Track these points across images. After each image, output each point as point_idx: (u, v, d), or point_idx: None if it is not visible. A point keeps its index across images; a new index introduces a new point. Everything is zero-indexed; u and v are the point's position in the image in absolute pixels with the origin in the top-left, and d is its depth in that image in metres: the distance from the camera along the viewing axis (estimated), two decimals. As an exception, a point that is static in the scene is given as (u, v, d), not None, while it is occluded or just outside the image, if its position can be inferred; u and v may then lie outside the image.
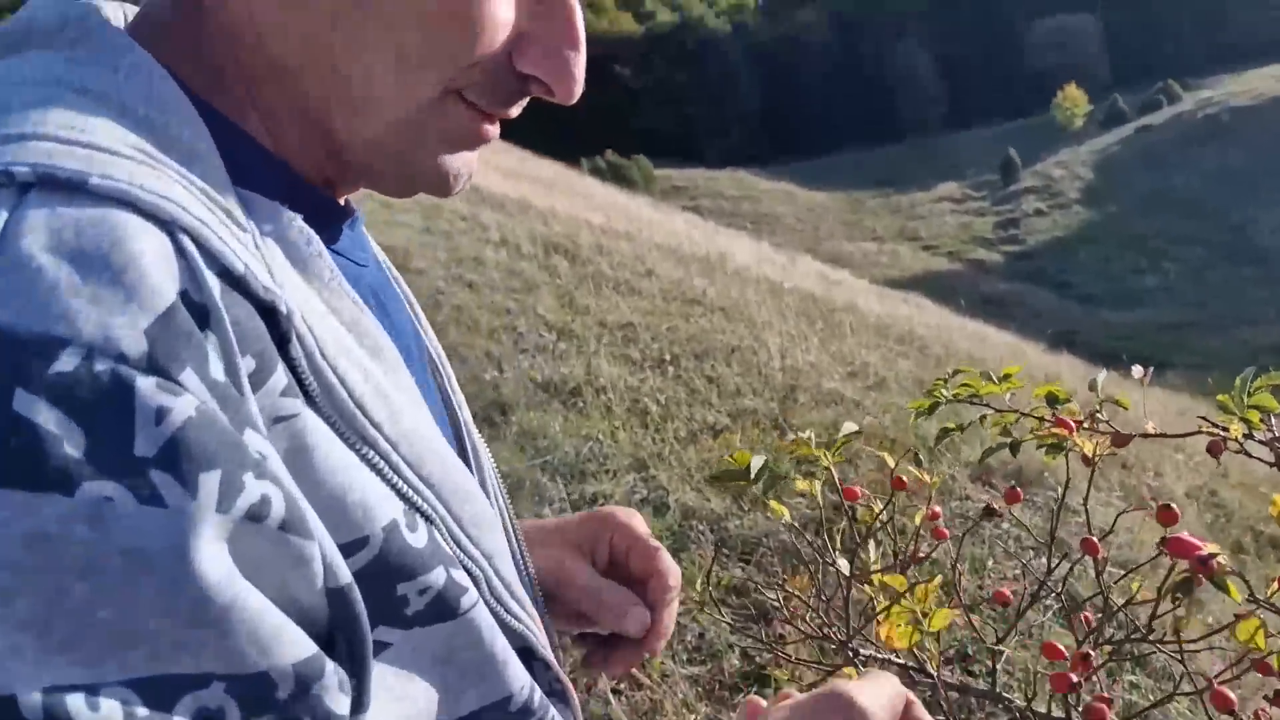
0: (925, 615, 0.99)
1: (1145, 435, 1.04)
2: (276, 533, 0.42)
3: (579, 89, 0.61)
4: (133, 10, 0.62)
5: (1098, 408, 1.08)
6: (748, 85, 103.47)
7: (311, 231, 0.56)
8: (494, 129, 0.62)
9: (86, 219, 0.42)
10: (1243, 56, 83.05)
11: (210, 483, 0.40)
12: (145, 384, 0.39)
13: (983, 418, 1.17)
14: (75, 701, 0.36)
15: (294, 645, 0.43)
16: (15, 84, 0.48)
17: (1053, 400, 1.13)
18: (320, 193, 0.62)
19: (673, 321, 6.92)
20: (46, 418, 0.37)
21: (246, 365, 0.45)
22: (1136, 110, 74.55)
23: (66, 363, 0.38)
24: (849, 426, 1.03)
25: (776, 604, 1.17)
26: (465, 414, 0.77)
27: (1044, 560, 1.17)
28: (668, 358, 6.10)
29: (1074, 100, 74.09)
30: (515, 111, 0.63)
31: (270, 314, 0.48)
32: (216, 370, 0.43)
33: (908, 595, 0.98)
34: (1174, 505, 0.94)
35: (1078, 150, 68.03)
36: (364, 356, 0.54)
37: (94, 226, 0.41)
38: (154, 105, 0.50)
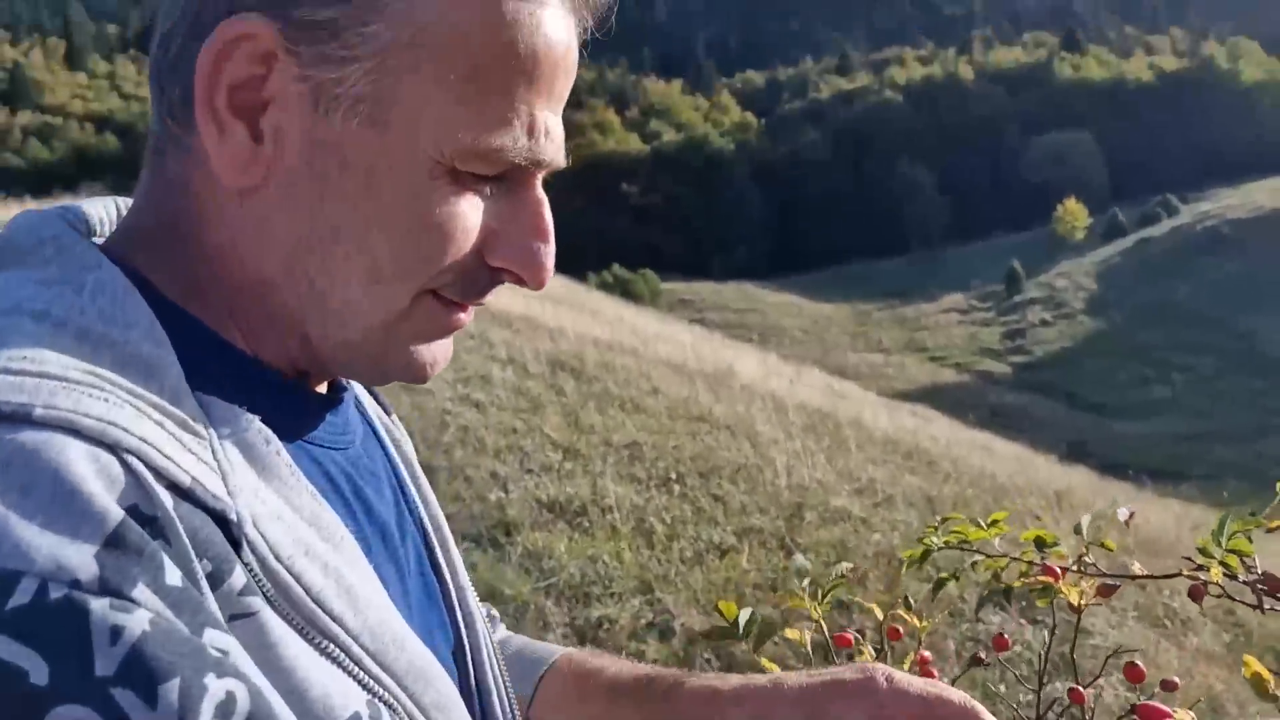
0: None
1: (1133, 577, 1.05)
2: None
3: (549, 276, 0.65)
4: (125, 203, 0.67)
5: (1084, 551, 1.09)
6: (753, 201, 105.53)
7: (269, 432, 0.57)
8: (467, 316, 0.65)
9: (30, 449, 0.44)
10: (1238, 170, 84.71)
11: (170, 694, 0.42)
12: (99, 605, 0.42)
13: (974, 564, 1.17)
14: None
15: None
16: None
17: (1040, 544, 1.14)
18: (296, 388, 0.65)
19: (678, 439, 6.93)
20: (10, 651, 0.40)
21: (204, 568, 0.48)
22: (1136, 223, 75.72)
23: (22, 595, 0.40)
24: (841, 568, 1.04)
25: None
26: (461, 580, 0.77)
27: (1056, 685, 1.16)
28: (673, 476, 6.09)
29: (1074, 213, 75.30)
30: (489, 299, 0.66)
31: (223, 520, 0.51)
32: (173, 577, 0.45)
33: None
34: (1139, 663, 0.95)
35: (1080, 262, 68.85)
36: (326, 550, 0.56)
37: (38, 457, 0.44)
38: (115, 324, 0.53)
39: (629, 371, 9.31)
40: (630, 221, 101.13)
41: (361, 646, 0.55)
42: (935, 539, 1.14)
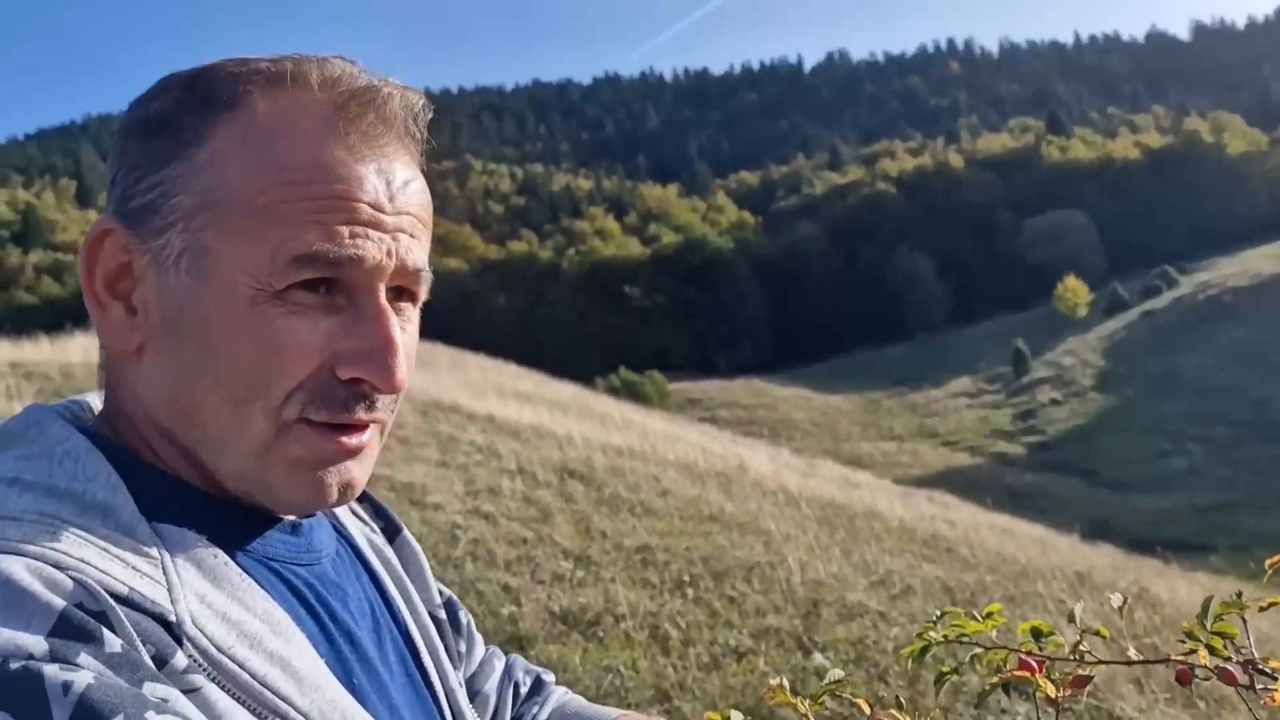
0: None
1: (1128, 662, 1.03)
2: None
3: (400, 377, 0.72)
4: None
5: (1079, 639, 1.08)
6: (754, 297, 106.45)
7: (216, 548, 0.69)
8: (353, 439, 0.73)
9: None
10: (1232, 239, 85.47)
11: None
12: (50, 670, 0.53)
13: (973, 657, 1.16)
14: None
15: None
16: None
17: (1037, 634, 1.13)
18: (246, 511, 0.74)
19: (690, 540, 6.86)
20: None
21: (148, 650, 0.59)
22: (1138, 296, 76.08)
23: None
24: (835, 674, 1.02)
25: None
26: (450, 683, 0.87)
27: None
28: (686, 579, 6.01)
29: (1074, 291, 75.77)
30: (364, 415, 0.73)
31: (165, 621, 0.62)
32: (113, 646, 0.56)
33: None
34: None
35: (1085, 338, 69.01)
36: (276, 642, 0.67)
37: None
38: (77, 479, 0.67)
39: (638, 475, 9.27)
40: (634, 324, 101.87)
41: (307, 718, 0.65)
42: (934, 633, 1.12)
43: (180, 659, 0.61)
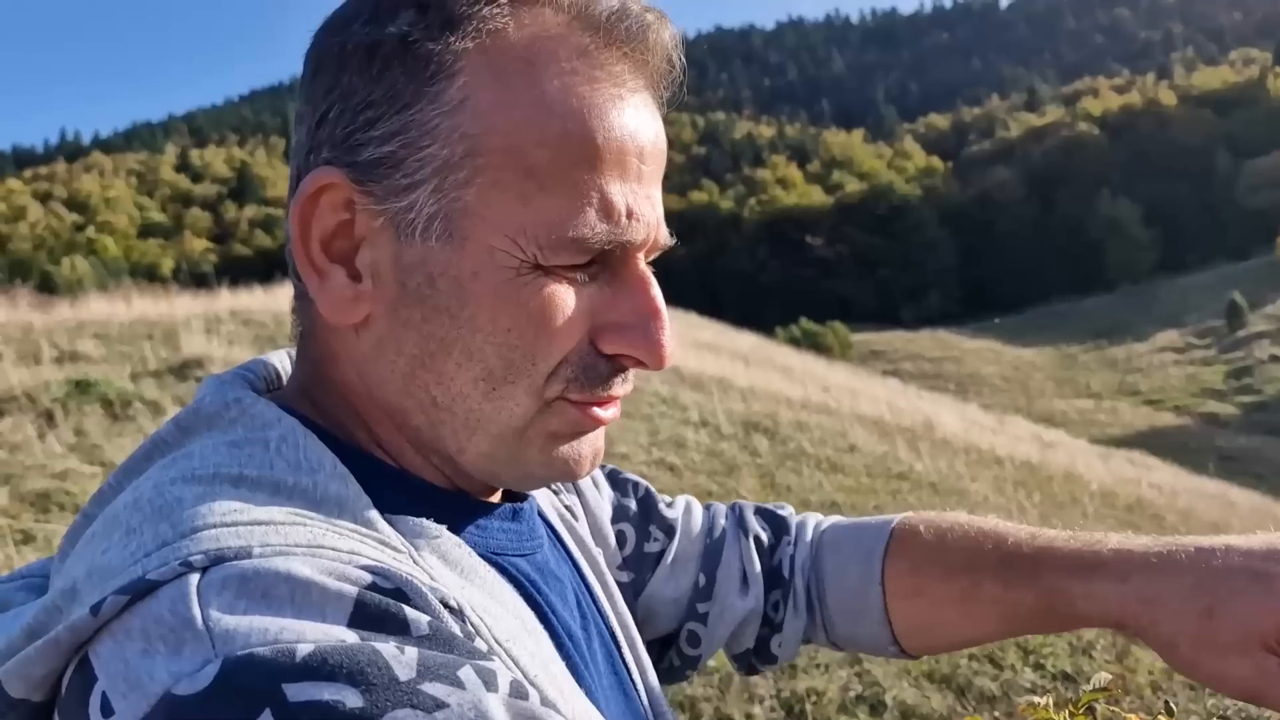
0: None
1: None
2: (541, 709, 0.48)
3: (668, 354, 0.64)
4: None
5: None
6: (943, 245, 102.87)
7: (458, 539, 0.62)
8: (607, 412, 0.66)
9: (259, 569, 0.49)
10: None
11: (469, 675, 0.47)
12: (374, 639, 0.47)
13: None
14: None
15: None
16: (186, 481, 0.56)
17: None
18: (464, 498, 0.68)
19: (879, 499, 6.71)
20: (314, 691, 0.44)
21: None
22: (1376, 244, 69.15)
23: (304, 649, 0.45)
24: (1100, 678, 0.92)
25: None
26: (650, 680, 0.80)
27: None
28: (876, 538, 5.88)
29: (1301, 238, 69.58)
30: (621, 390, 0.66)
31: (448, 606, 0.54)
32: (419, 625, 0.50)
33: None
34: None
35: (1312, 290, 63.35)
36: (531, 642, 0.61)
37: (267, 571, 0.49)
38: (302, 471, 0.58)
39: (824, 429, 9.13)
40: (816, 274, 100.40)
41: None
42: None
43: (481, 645, 0.54)
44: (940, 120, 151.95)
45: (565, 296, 0.61)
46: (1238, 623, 0.68)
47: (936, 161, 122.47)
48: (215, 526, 0.51)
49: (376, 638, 0.47)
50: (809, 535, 0.96)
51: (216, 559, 0.49)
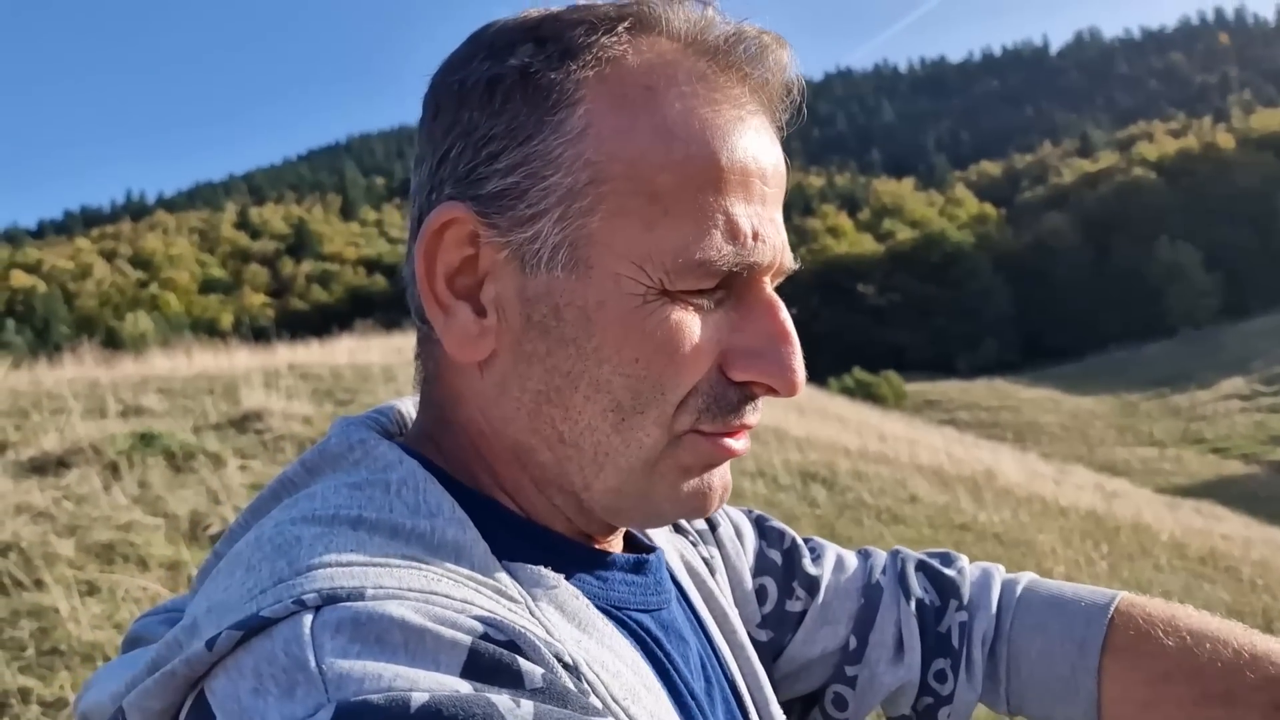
0: None
1: None
2: None
3: (800, 379, 0.62)
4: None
5: None
6: (998, 293, 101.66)
7: (576, 590, 0.61)
8: (738, 442, 0.64)
9: (373, 612, 0.48)
10: None
11: None
12: (487, 691, 0.46)
13: None
14: None
15: None
16: (306, 522, 0.56)
17: None
18: (585, 548, 0.66)
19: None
20: None
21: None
22: None
23: (419, 699, 0.44)
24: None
25: None
26: None
27: None
28: (940, 591, 5.73)
29: (1371, 281, 67.73)
30: (752, 419, 0.64)
31: (562, 661, 0.53)
32: (534, 678, 0.48)
33: None
34: None
35: (1384, 334, 61.53)
36: (651, 701, 0.58)
37: (381, 615, 0.48)
38: (421, 515, 0.58)
39: (883, 479, 8.98)
40: (869, 322, 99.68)
41: None
42: None
43: (595, 702, 0.52)
44: (992, 167, 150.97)
45: (692, 324, 0.60)
46: None
47: (989, 208, 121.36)
48: (330, 566, 0.51)
49: (491, 689, 0.46)
50: (992, 604, 0.87)
51: (330, 598, 0.49)
